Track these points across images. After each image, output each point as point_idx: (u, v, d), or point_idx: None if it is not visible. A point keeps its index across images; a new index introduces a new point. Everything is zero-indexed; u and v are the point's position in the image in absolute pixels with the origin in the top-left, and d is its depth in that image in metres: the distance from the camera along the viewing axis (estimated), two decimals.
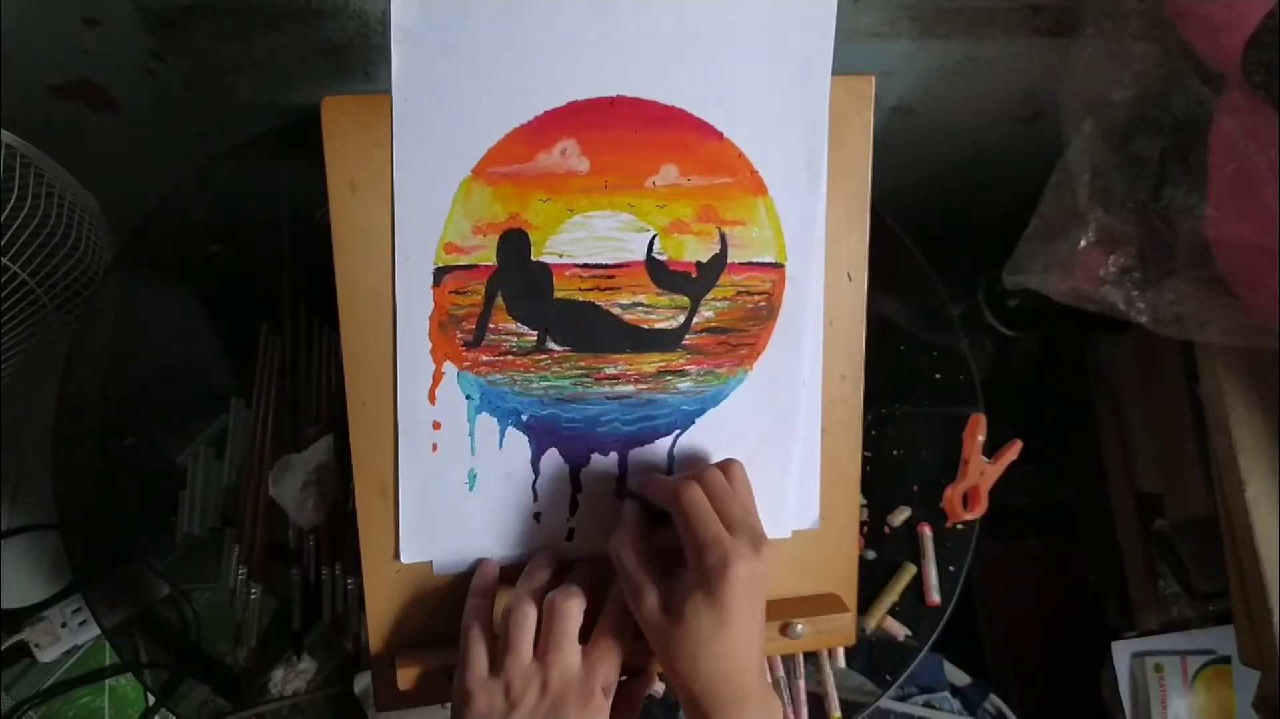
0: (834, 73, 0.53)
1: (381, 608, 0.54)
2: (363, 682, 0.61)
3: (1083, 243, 0.71)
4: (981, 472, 0.70)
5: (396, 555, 0.54)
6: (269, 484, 0.63)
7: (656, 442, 0.55)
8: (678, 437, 0.55)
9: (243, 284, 0.70)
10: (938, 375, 0.73)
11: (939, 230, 0.92)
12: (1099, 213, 0.71)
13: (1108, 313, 0.71)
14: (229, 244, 0.71)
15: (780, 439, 0.57)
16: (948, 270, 0.77)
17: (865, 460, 0.63)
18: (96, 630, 0.80)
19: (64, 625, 0.80)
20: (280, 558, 0.64)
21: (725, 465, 0.52)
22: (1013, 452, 0.71)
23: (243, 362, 0.68)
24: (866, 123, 0.54)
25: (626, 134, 0.51)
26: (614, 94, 0.50)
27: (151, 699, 0.64)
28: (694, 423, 0.55)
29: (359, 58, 0.77)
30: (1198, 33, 0.66)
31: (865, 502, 0.68)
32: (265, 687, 0.62)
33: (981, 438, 0.71)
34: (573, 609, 0.49)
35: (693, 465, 0.55)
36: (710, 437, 0.56)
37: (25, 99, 0.79)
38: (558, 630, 0.49)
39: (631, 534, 0.51)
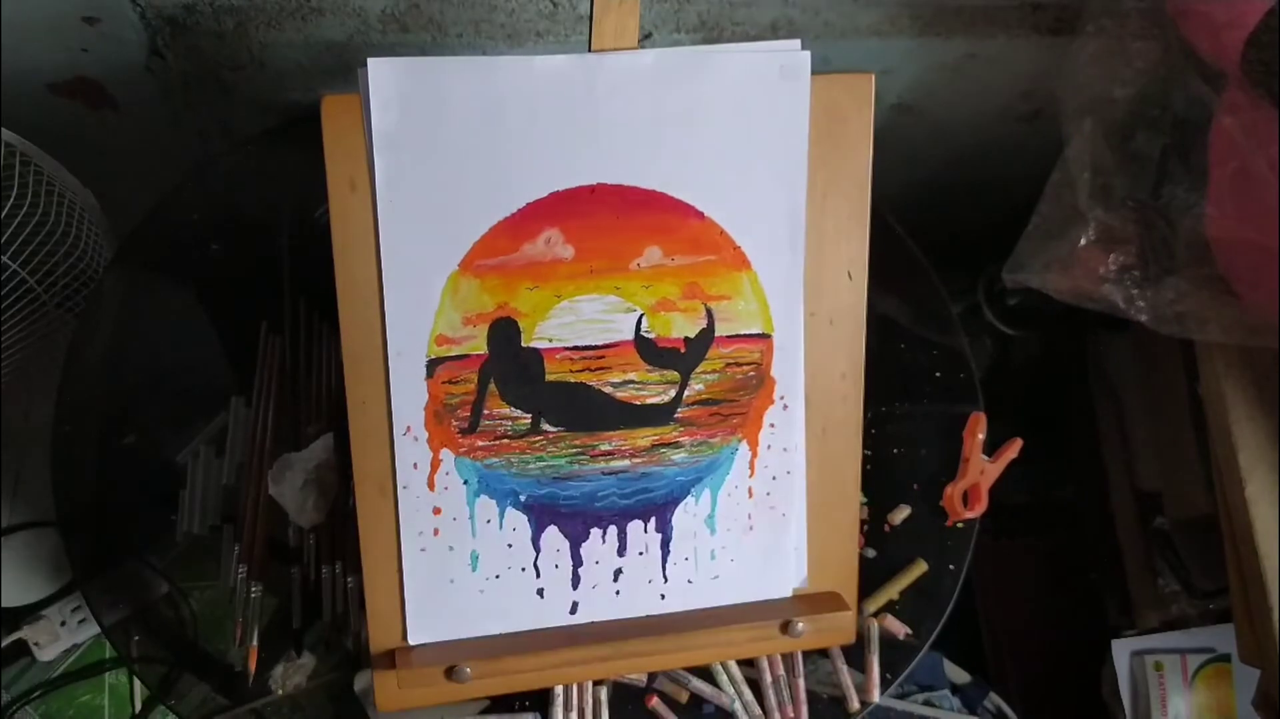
0: (834, 71, 0.53)
1: (382, 607, 0.54)
2: (363, 680, 0.61)
3: (1083, 241, 0.71)
4: (981, 470, 0.70)
5: (397, 555, 0.54)
6: (269, 483, 0.63)
7: (660, 511, 0.56)
8: (678, 506, 0.56)
9: (243, 284, 0.70)
10: (938, 374, 0.73)
11: (939, 229, 0.92)
12: (1099, 211, 0.71)
13: (1108, 311, 0.71)
14: (229, 244, 0.71)
15: (779, 502, 0.57)
16: (948, 269, 0.77)
17: (865, 459, 0.63)
18: (96, 629, 0.80)
19: (63, 624, 0.80)
20: (280, 557, 0.64)
21: None
22: (1013, 450, 0.71)
23: (243, 361, 0.68)
24: (866, 121, 0.54)
25: (609, 220, 0.52)
26: (594, 182, 0.51)
27: (146, 697, 0.64)
28: (689, 492, 0.56)
29: (359, 56, 0.77)
30: (1198, 31, 0.66)
31: (865, 500, 0.68)
32: (265, 685, 0.62)
33: (981, 436, 0.71)
34: None
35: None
36: (710, 505, 0.57)
37: (25, 98, 0.79)
38: None
39: None
